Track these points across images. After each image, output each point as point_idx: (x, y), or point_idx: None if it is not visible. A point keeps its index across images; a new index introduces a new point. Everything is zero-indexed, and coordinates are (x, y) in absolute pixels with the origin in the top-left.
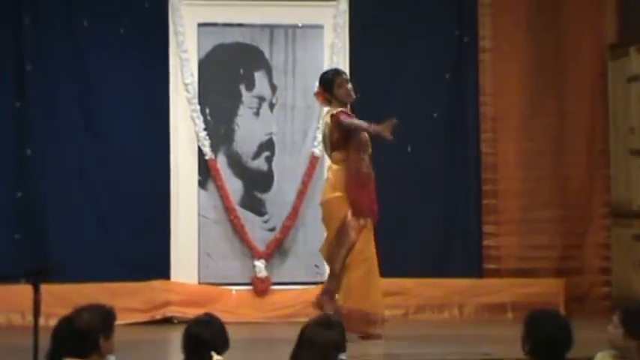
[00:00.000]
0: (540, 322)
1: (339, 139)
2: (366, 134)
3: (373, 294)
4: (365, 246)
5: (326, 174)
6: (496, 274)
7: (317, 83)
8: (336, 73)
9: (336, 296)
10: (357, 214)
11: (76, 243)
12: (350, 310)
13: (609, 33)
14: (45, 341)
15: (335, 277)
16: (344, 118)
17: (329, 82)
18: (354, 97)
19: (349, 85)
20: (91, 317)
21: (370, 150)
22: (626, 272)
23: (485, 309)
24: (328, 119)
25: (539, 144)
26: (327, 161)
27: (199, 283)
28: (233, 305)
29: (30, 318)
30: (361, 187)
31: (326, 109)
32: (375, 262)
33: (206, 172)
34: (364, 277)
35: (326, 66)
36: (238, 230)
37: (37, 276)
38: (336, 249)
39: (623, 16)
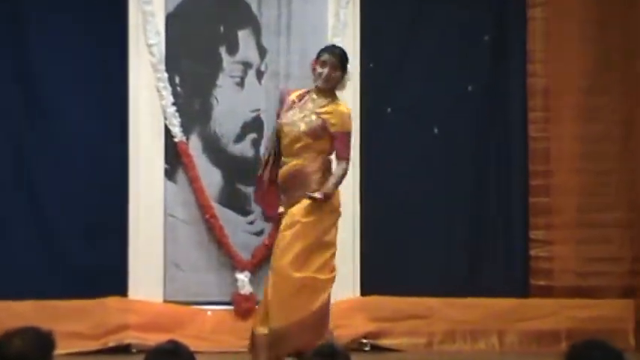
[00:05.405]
0: (587, 354)
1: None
2: None
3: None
4: None
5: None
6: (547, 292)
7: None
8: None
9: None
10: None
11: (8, 250)
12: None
13: None
14: None
15: None
16: None
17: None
18: (324, 85)
19: (322, 70)
20: (24, 344)
21: None
22: None
23: (532, 338)
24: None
25: (602, 127)
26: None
27: (165, 301)
28: (208, 330)
29: None
30: None
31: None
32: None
33: (175, 159)
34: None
35: (330, 24)
36: (216, 234)
37: None
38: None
39: None
